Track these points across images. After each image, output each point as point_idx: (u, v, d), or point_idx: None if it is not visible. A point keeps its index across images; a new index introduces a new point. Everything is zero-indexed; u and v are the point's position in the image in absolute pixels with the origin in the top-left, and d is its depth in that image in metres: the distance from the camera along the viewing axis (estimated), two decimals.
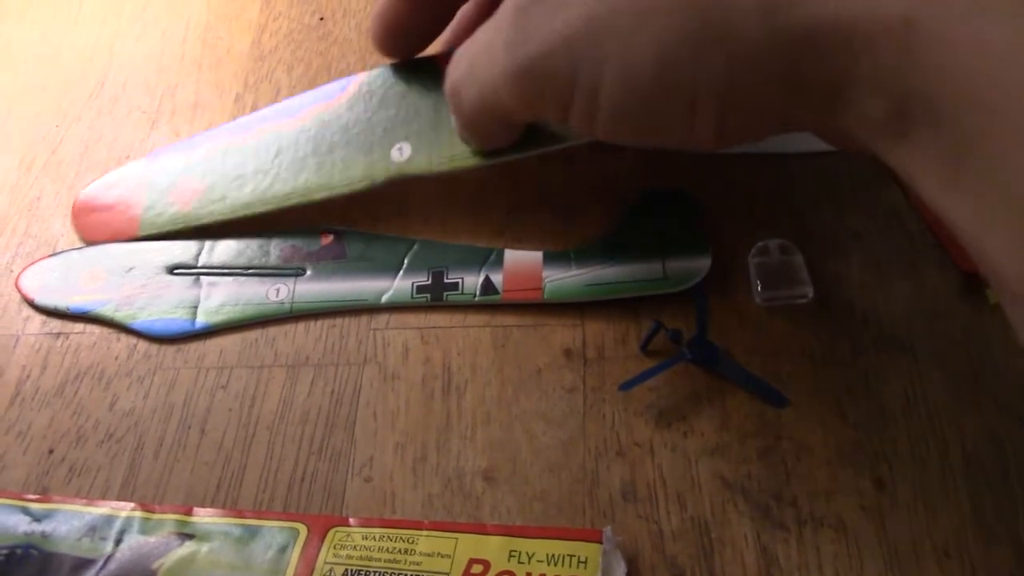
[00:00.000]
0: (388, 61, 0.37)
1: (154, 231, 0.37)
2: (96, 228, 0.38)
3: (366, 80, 0.37)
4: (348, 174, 0.36)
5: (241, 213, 0.37)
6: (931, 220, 0.34)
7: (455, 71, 0.30)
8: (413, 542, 0.29)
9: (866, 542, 0.28)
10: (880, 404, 0.30)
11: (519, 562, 0.28)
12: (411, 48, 0.35)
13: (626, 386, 0.31)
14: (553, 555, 0.28)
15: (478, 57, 0.28)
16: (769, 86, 0.23)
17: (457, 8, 0.34)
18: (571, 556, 0.28)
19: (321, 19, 0.45)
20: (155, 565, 0.29)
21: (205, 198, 0.37)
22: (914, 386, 0.31)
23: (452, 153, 0.34)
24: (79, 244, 0.38)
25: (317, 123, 0.37)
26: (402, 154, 0.35)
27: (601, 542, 0.28)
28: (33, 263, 0.38)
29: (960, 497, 0.28)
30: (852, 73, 0.21)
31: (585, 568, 0.27)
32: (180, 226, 0.37)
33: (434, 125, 0.35)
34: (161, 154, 0.39)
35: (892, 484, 0.29)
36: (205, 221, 0.37)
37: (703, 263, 0.33)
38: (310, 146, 0.37)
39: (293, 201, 0.36)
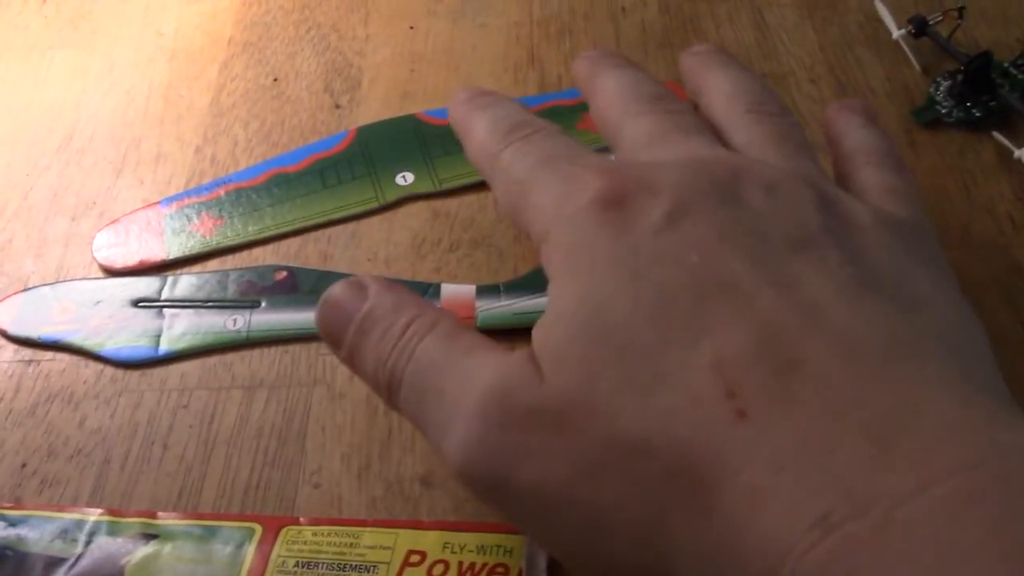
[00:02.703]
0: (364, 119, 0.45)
1: (181, 254, 0.42)
2: (122, 257, 0.42)
3: (357, 134, 0.46)
4: (360, 196, 0.43)
5: (258, 236, 0.42)
6: None
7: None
8: (358, 537, 0.32)
9: None
10: None
11: (452, 552, 0.31)
12: None
13: None
14: (483, 546, 0.31)
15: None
16: None
17: None
18: (499, 546, 0.31)
19: (275, 80, 0.49)
20: (123, 561, 0.32)
21: (226, 227, 0.43)
22: None
23: (453, 174, 0.43)
24: (50, 281, 0.41)
25: (321, 166, 0.45)
26: (406, 180, 0.43)
27: (525, 534, 0.32)
28: (6, 298, 0.41)
29: None
30: None
31: (511, 556, 0.31)
32: (200, 251, 0.42)
33: (428, 159, 0.44)
34: (172, 200, 0.44)
35: None
36: (224, 245, 0.42)
37: None
38: (319, 182, 0.44)
39: (312, 222, 0.43)
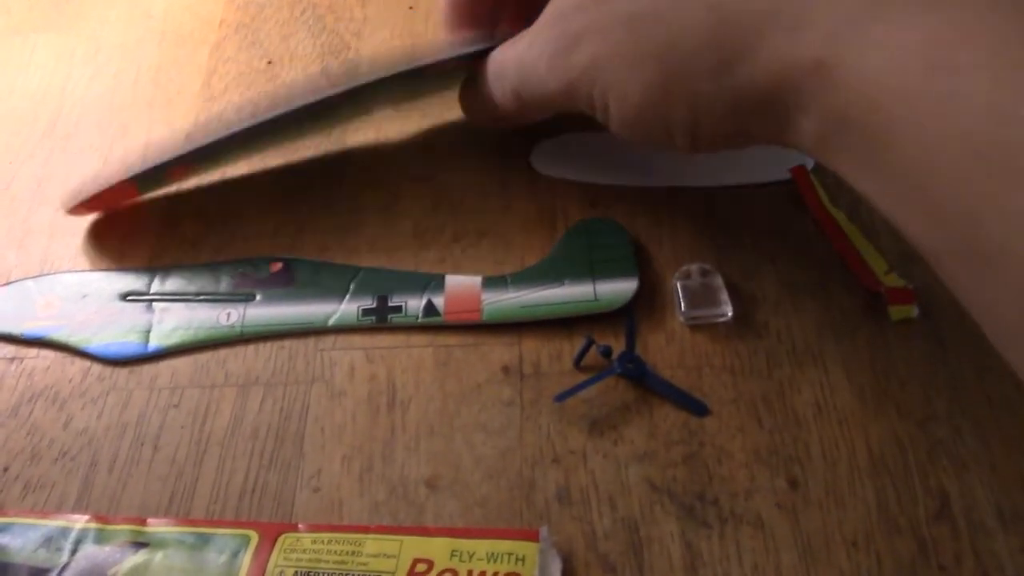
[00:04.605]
0: None
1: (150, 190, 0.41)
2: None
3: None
4: (333, 124, 0.42)
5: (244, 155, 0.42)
6: (838, 246, 0.37)
7: (490, 76, 0.38)
8: (360, 544, 0.30)
9: (781, 536, 0.30)
10: (794, 412, 0.33)
11: (460, 560, 0.29)
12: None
13: (561, 397, 0.33)
14: (493, 553, 0.30)
15: (528, 73, 0.35)
16: (726, 121, 0.30)
17: None
18: (510, 554, 0.29)
19: (269, 63, 0.47)
20: (110, 572, 0.30)
21: (198, 169, 0.42)
22: (824, 395, 0.33)
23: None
24: (34, 274, 0.39)
25: (301, 111, 0.39)
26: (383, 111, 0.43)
27: (538, 541, 0.30)
28: None
29: (867, 494, 0.31)
30: (788, 108, 0.28)
31: (523, 565, 0.29)
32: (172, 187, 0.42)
33: (413, 92, 0.42)
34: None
35: (805, 483, 0.31)
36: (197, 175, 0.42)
37: (631, 285, 0.36)
38: (294, 128, 0.41)
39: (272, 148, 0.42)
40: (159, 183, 0.41)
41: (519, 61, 0.36)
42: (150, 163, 0.39)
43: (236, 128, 0.39)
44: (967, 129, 0.23)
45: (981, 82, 0.23)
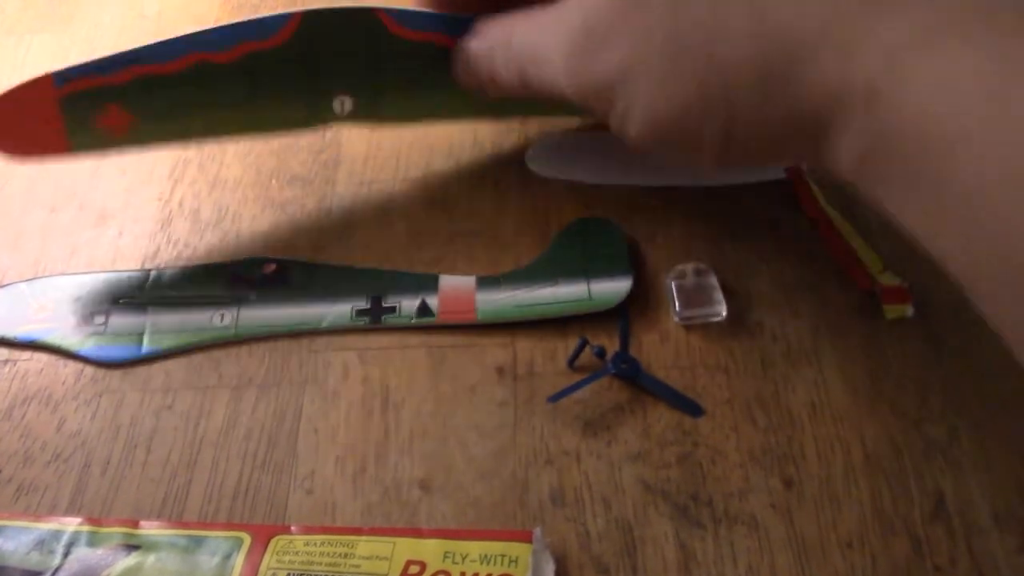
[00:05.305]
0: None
1: (87, 150, 0.37)
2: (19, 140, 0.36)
3: (303, 24, 0.36)
4: (289, 114, 0.39)
5: (175, 140, 0.38)
6: (833, 245, 0.37)
7: (495, 42, 0.35)
8: (353, 546, 0.30)
9: (776, 536, 0.30)
10: (788, 411, 0.33)
11: (453, 562, 0.29)
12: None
13: (554, 398, 0.33)
14: (486, 555, 0.29)
15: (539, 60, 0.33)
16: (762, 139, 0.29)
17: None
18: (503, 556, 0.29)
19: None
20: (103, 574, 0.30)
21: (140, 129, 0.37)
22: (819, 394, 0.33)
23: (403, 108, 0.40)
24: (27, 276, 0.39)
25: (253, 62, 0.36)
26: (343, 108, 0.38)
27: (531, 542, 0.30)
28: None
29: (861, 493, 0.31)
30: (829, 129, 0.27)
31: (516, 566, 0.29)
32: (111, 148, 0.37)
33: (378, 81, 0.38)
34: (66, 79, 0.35)
35: (799, 483, 0.31)
36: (137, 144, 0.37)
37: (625, 285, 0.36)
38: (248, 86, 0.37)
39: (230, 134, 0.39)
40: (87, 118, 0.35)
41: (530, 43, 0.33)
42: (75, 68, 0.35)
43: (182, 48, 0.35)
44: None
45: None
